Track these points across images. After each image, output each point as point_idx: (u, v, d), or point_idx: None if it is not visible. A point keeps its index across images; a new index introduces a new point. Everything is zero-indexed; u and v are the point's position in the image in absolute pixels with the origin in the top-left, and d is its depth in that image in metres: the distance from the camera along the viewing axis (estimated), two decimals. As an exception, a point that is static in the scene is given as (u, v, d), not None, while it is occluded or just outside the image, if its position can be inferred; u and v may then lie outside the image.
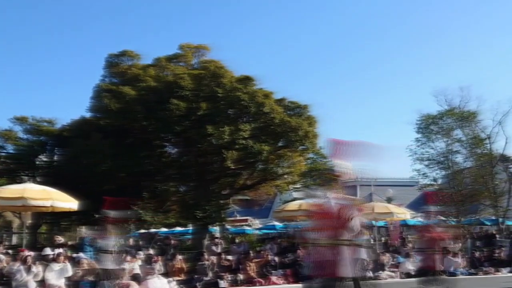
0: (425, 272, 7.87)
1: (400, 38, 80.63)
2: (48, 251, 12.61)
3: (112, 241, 9.39)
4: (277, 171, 22.12)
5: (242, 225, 31.24)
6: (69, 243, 17.40)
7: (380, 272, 14.11)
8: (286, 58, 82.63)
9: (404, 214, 19.42)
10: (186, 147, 20.71)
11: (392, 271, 15.14)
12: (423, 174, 27.11)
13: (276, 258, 15.25)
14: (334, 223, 4.68)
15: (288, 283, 13.74)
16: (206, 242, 19.65)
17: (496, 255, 18.79)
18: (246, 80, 20.81)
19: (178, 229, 29.22)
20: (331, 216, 4.70)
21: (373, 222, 19.56)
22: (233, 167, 20.32)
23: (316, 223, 4.91)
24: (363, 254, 11.23)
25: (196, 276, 13.00)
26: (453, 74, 74.19)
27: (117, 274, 9.67)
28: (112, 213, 9.43)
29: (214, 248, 17.58)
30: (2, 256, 12.23)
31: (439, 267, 7.71)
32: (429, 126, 26.64)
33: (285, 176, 22.94)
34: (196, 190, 20.99)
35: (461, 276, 16.21)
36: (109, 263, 9.38)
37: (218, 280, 12.93)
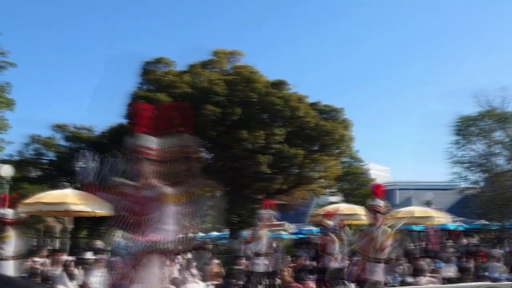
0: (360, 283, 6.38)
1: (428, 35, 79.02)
2: (89, 255, 12.89)
3: (12, 245, 7.68)
4: (312, 175, 21.99)
5: (278, 229, 31.12)
6: (108, 248, 17.73)
7: (421, 277, 13.79)
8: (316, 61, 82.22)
9: (444, 218, 18.96)
10: (221, 152, 20.85)
11: (433, 277, 14.77)
12: (464, 177, 26.47)
13: (314, 263, 15.11)
14: (139, 222, 3.45)
15: (326, 288, 13.59)
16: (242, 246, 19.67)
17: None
18: (279, 84, 20.85)
19: (214, 233, 29.39)
20: (136, 212, 3.49)
21: (413, 226, 19.15)
22: (267, 172, 20.33)
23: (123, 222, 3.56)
24: (260, 266, 9.75)
25: (233, 280, 13.01)
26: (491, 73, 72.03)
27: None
28: (9, 213, 7.88)
29: (250, 252, 17.55)
30: (47, 260, 12.56)
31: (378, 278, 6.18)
32: (468, 127, 25.95)
33: (321, 180, 22.78)
34: (231, 195, 21.09)
35: (505, 282, 15.66)
36: (6, 270, 7.57)
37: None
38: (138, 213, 3.49)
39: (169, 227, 3.43)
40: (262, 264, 9.99)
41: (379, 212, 6.36)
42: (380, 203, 6.45)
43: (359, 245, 6.41)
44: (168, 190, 3.50)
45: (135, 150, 3.65)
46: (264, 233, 9.82)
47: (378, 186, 6.83)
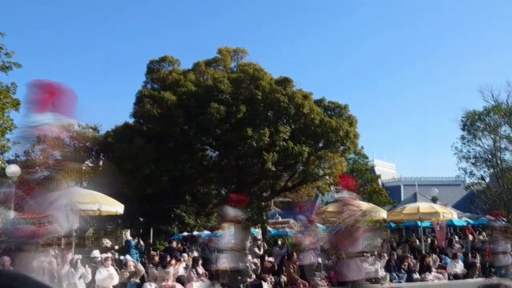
0: None
1: (436, 28, 78.66)
2: (96, 253, 12.95)
3: None
4: (318, 172, 21.95)
5: (284, 227, 31.13)
6: (115, 247, 17.80)
7: (427, 273, 13.76)
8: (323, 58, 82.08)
9: (450, 214, 18.91)
10: (226, 150, 20.87)
11: (439, 273, 14.74)
12: (470, 172, 26.38)
13: (319, 260, 15.08)
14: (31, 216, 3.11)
15: (332, 285, 13.59)
16: (248, 244, 19.68)
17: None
18: (284, 81, 20.83)
19: (220, 231, 29.41)
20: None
21: (418, 222, 19.08)
22: (273, 169, 20.34)
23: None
24: (220, 262, 9.37)
25: (239, 278, 13.03)
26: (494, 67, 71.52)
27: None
28: None
29: (256, 250, 17.58)
30: (53, 259, 12.61)
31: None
32: (474, 122, 25.84)
33: (326, 177, 22.74)
34: (237, 192, 21.10)
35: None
36: None
37: (261, 281, 12.93)
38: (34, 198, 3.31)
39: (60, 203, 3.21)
40: (221, 259, 9.80)
41: (347, 204, 6.15)
42: (347, 195, 6.29)
43: (333, 243, 6.10)
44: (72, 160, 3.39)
45: (38, 128, 3.55)
46: (227, 229, 9.63)
47: (345, 178, 6.59)
